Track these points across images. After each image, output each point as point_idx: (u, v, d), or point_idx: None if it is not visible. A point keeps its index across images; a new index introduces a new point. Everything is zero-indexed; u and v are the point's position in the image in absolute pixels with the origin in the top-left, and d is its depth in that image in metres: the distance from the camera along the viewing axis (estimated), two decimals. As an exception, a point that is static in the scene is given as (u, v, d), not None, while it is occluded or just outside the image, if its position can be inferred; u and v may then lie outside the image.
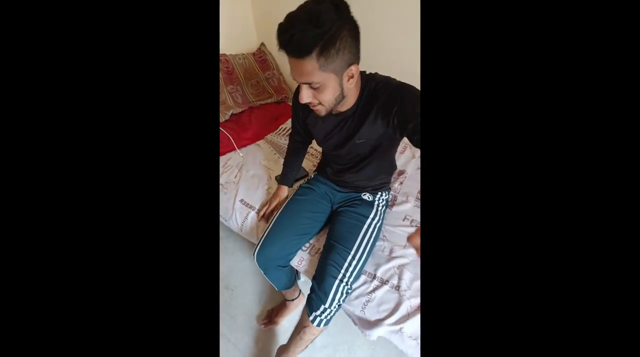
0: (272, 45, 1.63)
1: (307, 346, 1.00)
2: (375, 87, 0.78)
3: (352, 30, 0.64)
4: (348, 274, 0.88)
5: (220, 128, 1.47)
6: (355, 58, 0.68)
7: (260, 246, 0.97)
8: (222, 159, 1.38)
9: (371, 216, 0.99)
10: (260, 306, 1.27)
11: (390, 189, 1.09)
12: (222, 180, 1.29)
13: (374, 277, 0.94)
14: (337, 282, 0.86)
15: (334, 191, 1.06)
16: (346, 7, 0.63)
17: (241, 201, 1.21)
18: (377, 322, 0.87)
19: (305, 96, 0.71)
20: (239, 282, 1.35)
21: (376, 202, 1.03)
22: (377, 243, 1.01)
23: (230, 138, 1.43)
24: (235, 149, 1.42)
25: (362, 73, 0.79)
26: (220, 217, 1.24)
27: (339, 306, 0.87)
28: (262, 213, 1.12)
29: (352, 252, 0.91)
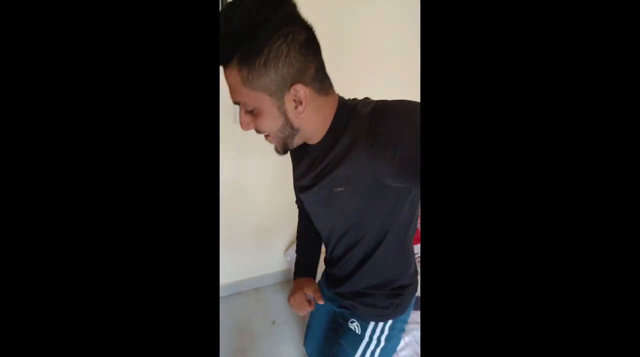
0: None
1: None
2: (352, 110, 0.52)
3: (298, 35, 0.44)
4: None
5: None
6: (301, 75, 0.46)
7: (304, 340, 0.91)
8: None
9: None
10: None
11: (402, 315, 0.70)
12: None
13: None
14: None
15: (331, 301, 0.77)
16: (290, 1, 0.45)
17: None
18: None
19: (242, 121, 0.51)
20: None
21: (366, 339, 0.69)
22: None
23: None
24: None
25: (341, 100, 0.55)
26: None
27: None
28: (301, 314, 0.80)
29: None
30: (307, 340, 0.89)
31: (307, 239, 0.81)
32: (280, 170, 1.51)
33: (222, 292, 1.64)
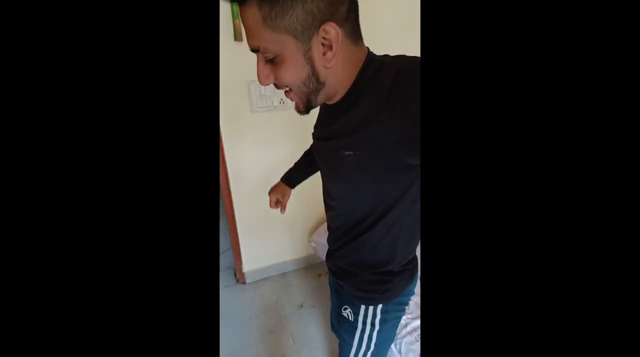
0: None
1: None
2: (379, 68, 0.45)
3: None
4: None
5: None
6: (332, 13, 0.39)
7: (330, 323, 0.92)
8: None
9: (354, 347, 0.66)
10: None
11: (398, 298, 0.63)
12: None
13: None
14: None
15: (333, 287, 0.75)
16: None
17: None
18: None
19: (261, 73, 0.43)
20: None
21: (359, 325, 0.64)
22: None
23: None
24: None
25: (369, 55, 0.47)
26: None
27: None
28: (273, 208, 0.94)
29: None
30: (332, 322, 0.91)
31: (307, 159, 0.87)
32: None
33: (250, 278, 1.71)
